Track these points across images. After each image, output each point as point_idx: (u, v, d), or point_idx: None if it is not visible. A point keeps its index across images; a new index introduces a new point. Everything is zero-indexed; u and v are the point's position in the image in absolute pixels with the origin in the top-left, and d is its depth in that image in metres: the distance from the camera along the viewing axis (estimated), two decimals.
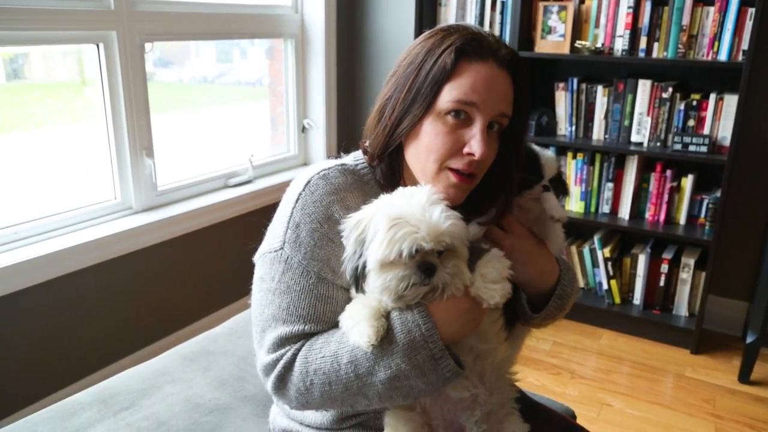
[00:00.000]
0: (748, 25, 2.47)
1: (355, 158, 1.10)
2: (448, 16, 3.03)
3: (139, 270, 2.36)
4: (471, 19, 2.99)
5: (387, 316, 0.93)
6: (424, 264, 0.88)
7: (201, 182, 2.70)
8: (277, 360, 0.98)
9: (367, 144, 1.08)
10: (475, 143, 0.96)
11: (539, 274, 1.07)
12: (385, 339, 0.91)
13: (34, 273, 1.99)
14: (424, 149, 0.99)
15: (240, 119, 3.20)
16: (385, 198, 0.95)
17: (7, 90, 2.21)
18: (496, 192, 1.06)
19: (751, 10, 2.44)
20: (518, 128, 1.03)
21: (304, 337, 0.98)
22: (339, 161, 1.08)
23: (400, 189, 0.97)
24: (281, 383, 0.98)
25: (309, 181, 1.02)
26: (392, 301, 0.91)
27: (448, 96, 0.96)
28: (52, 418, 1.33)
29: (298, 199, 1.02)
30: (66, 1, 2.05)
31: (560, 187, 1.16)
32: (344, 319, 0.95)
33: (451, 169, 0.99)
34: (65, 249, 2.05)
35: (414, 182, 1.04)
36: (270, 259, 1.02)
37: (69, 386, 2.14)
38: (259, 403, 1.44)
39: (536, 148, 1.15)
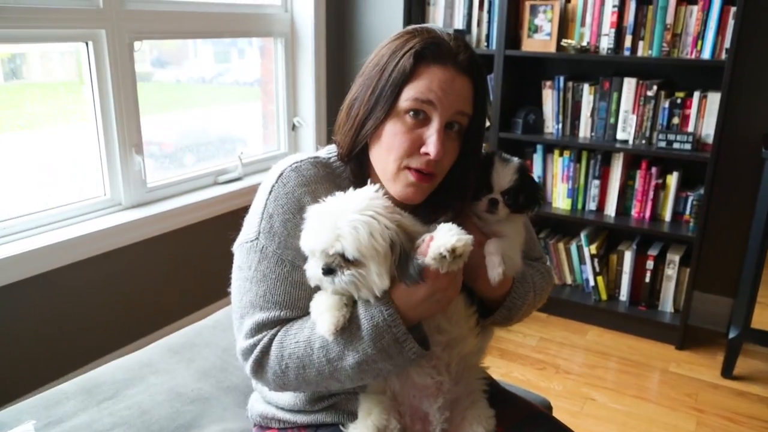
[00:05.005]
0: (731, 23, 2.49)
1: (328, 151, 1.13)
2: (437, 15, 3.06)
3: (128, 265, 2.38)
4: (459, 19, 3.01)
5: (352, 304, 0.96)
6: (324, 264, 0.93)
7: (190, 179, 2.72)
8: (255, 345, 1.01)
9: (338, 139, 1.11)
10: (431, 143, 0.98)
11: (487, 283, 1.04)
12: (353, 325, 0.95)
13: (26, 266, 2.01)
14: (385, 149, 1.02)
15: (233, 118, 3.21)
16: (346, 194, 0.97)
17: (5, 90, 2.21)
18: (454, 194, 1.08)
19: (734, 9, 2.45)
20: (477, 129, 1.06)
21: (280, 322, 1.01)
22: (312, 154, 1.11)
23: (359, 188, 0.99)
24: (259, 367, 1.01)
25: (282, 173, 1.06)
26: (323, 288, 0.96)
27: (406, 96, 0.99)
28: (36, 407, 1.35)
29: (271, 190, 1.05)
30: (55, 0, 2.07)
31: (518, 200, 1.09)
32: (312, 308, 0.99)
33: (410, 169, 1.01)
34: (55, 244, 2.08)
35: (379, 183, 1.05)
36: (246, 249, 1.05)
37: (57, 380, 2.15)
38: (241, 394, 1.47)
39: (506, 156, 1.11)
